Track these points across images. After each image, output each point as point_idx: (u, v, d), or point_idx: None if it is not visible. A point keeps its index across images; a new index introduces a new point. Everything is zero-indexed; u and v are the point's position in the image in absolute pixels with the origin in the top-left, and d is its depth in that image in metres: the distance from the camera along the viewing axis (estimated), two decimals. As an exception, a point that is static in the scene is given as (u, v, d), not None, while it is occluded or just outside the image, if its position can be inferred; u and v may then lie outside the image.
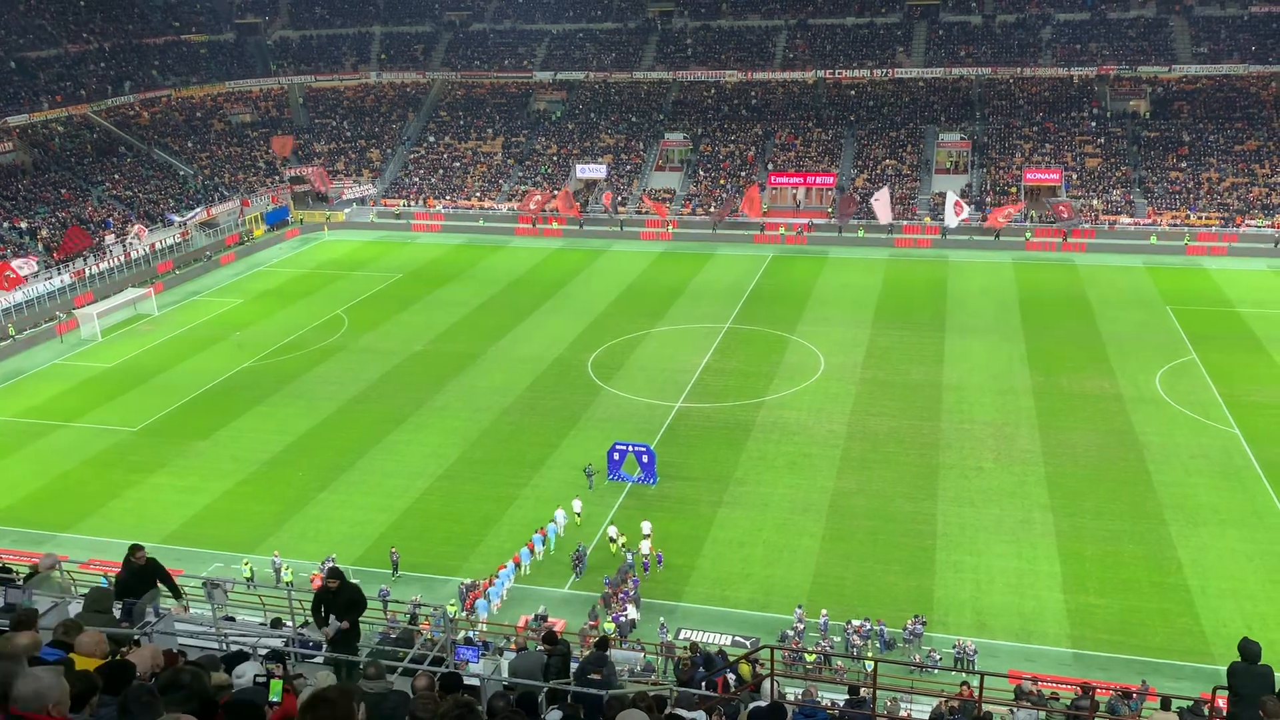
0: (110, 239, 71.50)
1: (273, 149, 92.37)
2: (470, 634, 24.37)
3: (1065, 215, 74.45)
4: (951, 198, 74.83)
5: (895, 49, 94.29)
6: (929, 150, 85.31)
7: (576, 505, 38.38)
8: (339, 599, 13.39)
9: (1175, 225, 73.85)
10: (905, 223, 77.80)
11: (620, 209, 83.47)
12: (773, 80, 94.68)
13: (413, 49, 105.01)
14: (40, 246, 68.03)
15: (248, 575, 33.84)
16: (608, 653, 14.33)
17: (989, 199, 78.76)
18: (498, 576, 33.52)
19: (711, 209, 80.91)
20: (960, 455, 42.10)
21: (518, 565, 34.84)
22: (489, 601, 32.59)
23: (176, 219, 77.69)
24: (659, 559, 35.05)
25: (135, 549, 14.06)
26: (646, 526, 36.20)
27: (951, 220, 74.53)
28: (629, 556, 34.97)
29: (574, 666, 13.76)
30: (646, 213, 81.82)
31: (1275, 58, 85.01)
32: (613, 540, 36.40)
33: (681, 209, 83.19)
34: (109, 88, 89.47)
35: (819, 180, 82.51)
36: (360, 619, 13.76)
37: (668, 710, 10.90)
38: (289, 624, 17.55)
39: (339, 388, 51.16)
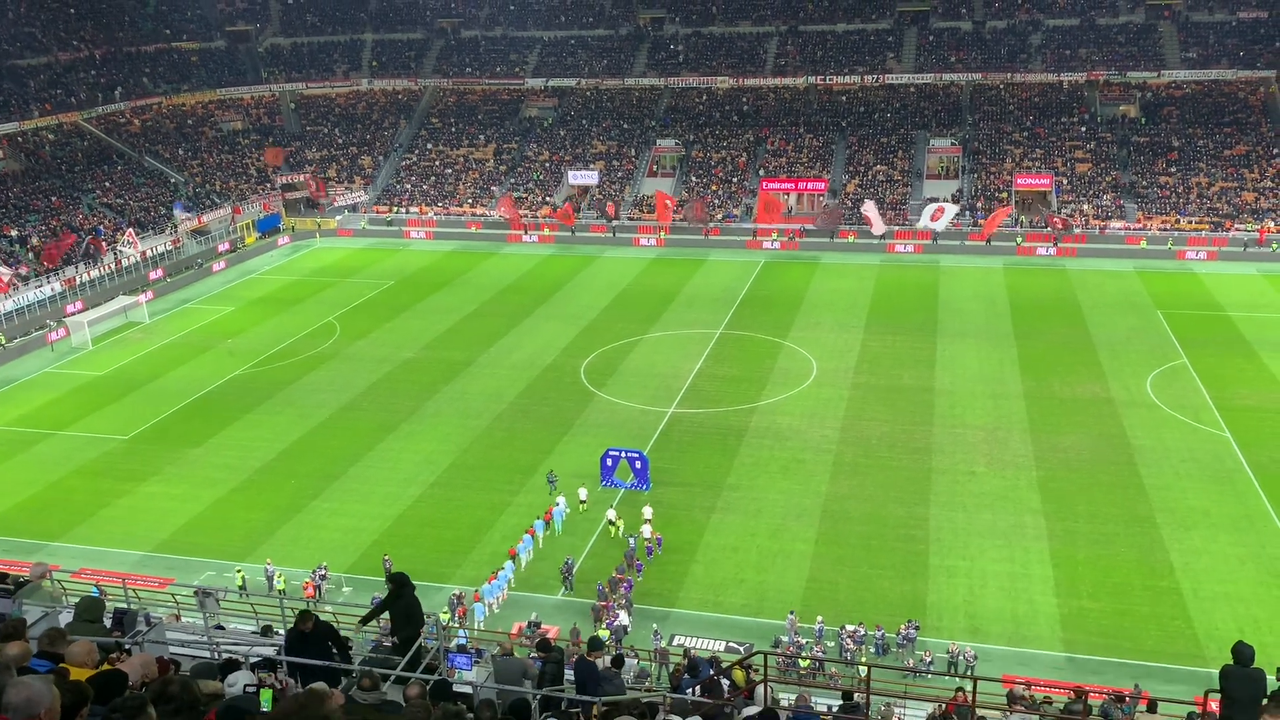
0: (124, 246, 71.32)
1: (265, 159, 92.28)
2: (462, 640, 24.31)
3: (1060, 226, 74.64)
4: (930, 207, 75.61)
5: (886, 55, 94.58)
6: (920, 156, 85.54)
7: (582, 494, 39.06)
8: (399, 606, 13.94)
9: (1165, 230, 74.16)
10: (897, 228, 77.97)
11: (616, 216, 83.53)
12: (764, 86, 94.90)
13: (404, 56, 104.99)
14: (30, 255, 67.82)
15: (240, 584, 33.73)
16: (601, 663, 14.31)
17: (980, 204, 79.01)
18: (496, 577, 33.85)
19: (695, 213, 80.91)
20: (952, 460, 42.17)
21: (513, 558, 35.24)
22: (483, 604, 32.71)
23: (181, 214, 78.19)
24: (659, 542, 35.84)
25: (303, 618, 12.89)
26: (647, 511, 37.21)
27: (927, 223, 75.06)
28: (631, 541, 35.64)
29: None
30: (638, 219, 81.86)
31: (1263, 63, 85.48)
32: (611, 523, 37.33)
33: (675, 214, 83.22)
34: (100, 95, 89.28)
35: (810, 186, 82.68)
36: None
37: (660, 717, 10.90)
38: (280, 632, 17.47)
39: (331, 395, 51.05)
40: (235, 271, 76.54)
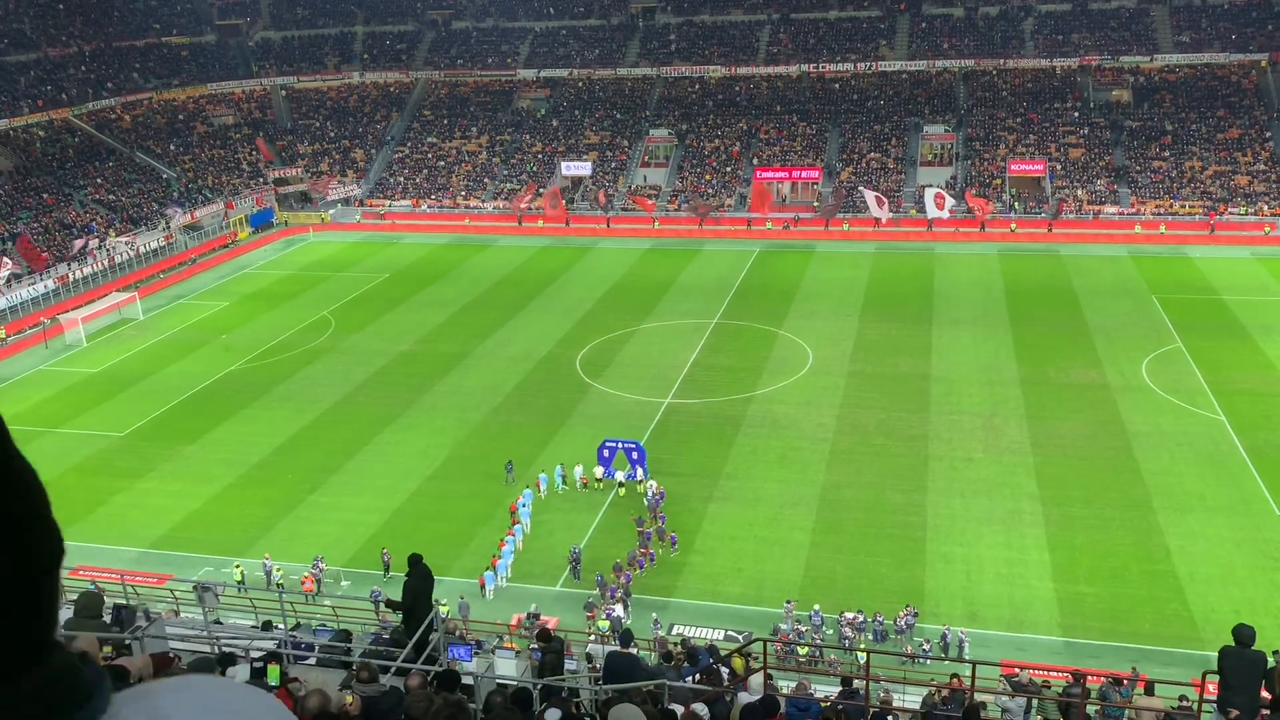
0: (93, 243, 71.04)
1: (260, 152, 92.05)
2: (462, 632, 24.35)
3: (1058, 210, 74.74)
4: (931, 191, 75.35)
5: (878, 42, 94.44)
6: (913, 143, 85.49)
7: (598, 471, 39.91)
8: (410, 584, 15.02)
9: (1159, 214, 74.23)
10: (891, 215, 77.91)
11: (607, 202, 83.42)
12: (756, 75, 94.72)
13: (396, 48, 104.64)
14: (16, 253, 67.57)
15: (239, 578, 33.73)
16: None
17: (974, 190, 78.97)
18: (501, 554, 34.53)
19: (695, 203, 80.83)
20: (949, 447, 42.23)
21: (513, 513, 36.67)
22: (495, 575, 33.49)
23: (176, 211, 77.89)
24: (662, 495, 37.66)
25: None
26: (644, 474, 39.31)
27: (933, 212, 74.97)
28: (649, 489, 37.84)
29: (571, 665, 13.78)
30: (632, 208, 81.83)
31: (1256, 46, 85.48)
32: (621, 484, 39.25)
33: (667, 204, 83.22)
34: (90, 91, 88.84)
35: (804, 174, 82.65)
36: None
37: (662, 705, 10.93)
38: (280, 626, 17.50)
39: (327, 389, 50.99)
40: (229, 266, 76.34)
